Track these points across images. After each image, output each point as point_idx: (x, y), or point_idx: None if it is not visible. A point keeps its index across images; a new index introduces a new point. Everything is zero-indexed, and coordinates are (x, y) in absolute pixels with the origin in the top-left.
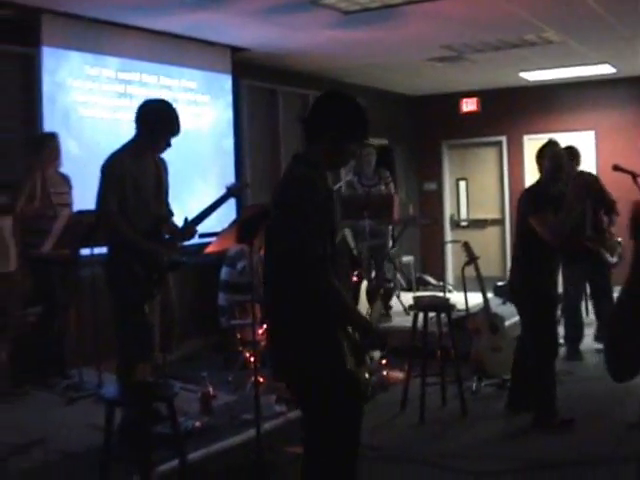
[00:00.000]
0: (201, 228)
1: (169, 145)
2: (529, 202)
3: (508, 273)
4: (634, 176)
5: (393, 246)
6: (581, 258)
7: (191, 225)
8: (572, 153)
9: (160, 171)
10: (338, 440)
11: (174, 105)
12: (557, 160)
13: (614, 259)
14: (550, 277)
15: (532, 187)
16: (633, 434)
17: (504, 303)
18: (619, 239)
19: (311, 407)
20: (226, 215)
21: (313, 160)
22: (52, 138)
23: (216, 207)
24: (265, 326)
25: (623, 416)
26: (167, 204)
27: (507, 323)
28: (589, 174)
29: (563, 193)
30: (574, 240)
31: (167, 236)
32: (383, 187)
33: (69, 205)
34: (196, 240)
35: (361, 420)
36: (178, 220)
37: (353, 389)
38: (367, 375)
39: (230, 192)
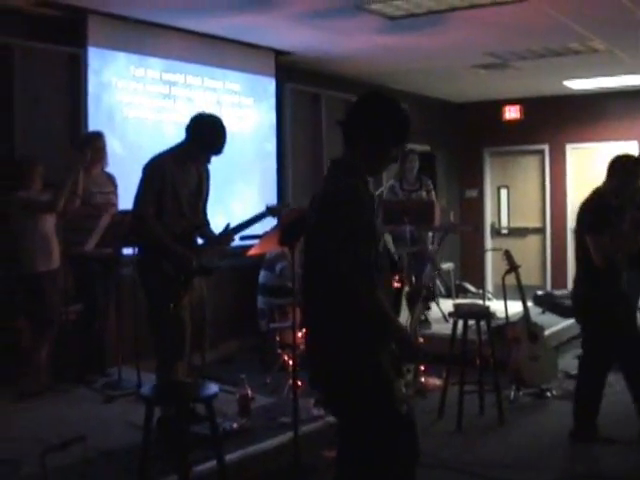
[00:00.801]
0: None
1: (208, 161)
2: (588, 216)
3: (549, 282)
4: None
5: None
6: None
7: (228, 234)
8: None
9: (202, 180)
10: (375, 454)
11: (219, 111)
12: (625, 177)
13: None
14: (616, 285)
15: (594, 198)
16: None
17: (544, 312)
18: None
19: (347, 418)
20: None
21: (353, 166)
22: (98, 137)
23: (253, 223)
24: (304, 331)
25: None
26: (204, 213)
27: (547, 332)
28: None
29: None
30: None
31: (201, 241)
32: (424, 193)
33: (114, 205)
34: (238, 242)
35: (400, 435)
36: (220, 226)
37: (391, 401)
38: (403, 388)
39: (269, 211)
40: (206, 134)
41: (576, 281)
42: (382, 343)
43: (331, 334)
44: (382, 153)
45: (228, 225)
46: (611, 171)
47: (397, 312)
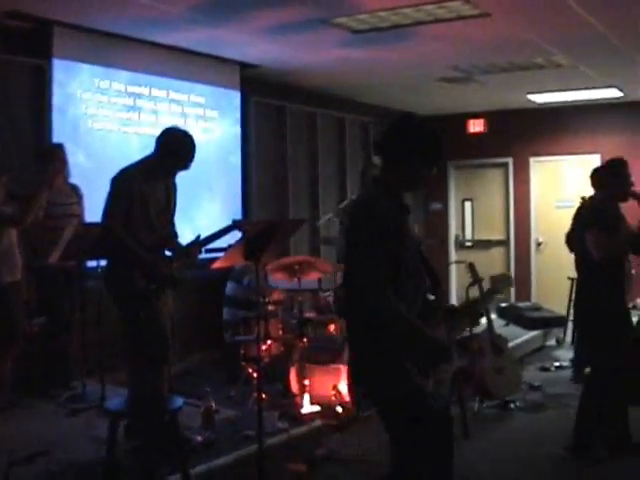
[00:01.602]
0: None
1: (174, 176)
2: (586, 216)
3: (512, 294)
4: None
5: None
6: None
7: (197, 245)
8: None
9: (169, 192)
10: (421, 457)
11: (184, 123)
12: (621, 182)
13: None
14: (615, 295)
15: (590, 204)
16: None
17: (507, 324)
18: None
19: (389, 425)
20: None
21: (385, 183)
22: (59, 149)
23: (221, 235)
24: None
25: None
26: (173, 225)
27: (510, 344)
28: None
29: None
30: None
31: (169, 253)
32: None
33: (78, 215)
34: (203, 255)
35: (444, 433)
36: (188, 238)
37: (423, 405)
38: (431, 386)
39: (235, 225)
40: (175, 148)
41: (579, 291)
42: (404, 347)
43: (358, 341)
44: (413, 173)
45: (198, 236)
46: (604, 180)
47: (428, 318)
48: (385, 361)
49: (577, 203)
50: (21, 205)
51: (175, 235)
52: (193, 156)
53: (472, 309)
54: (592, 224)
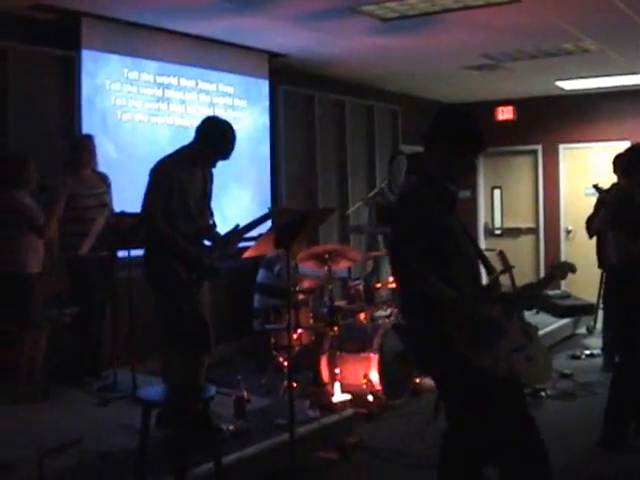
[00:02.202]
0: None
1: (214, 166)
2: (610, 212)
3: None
4: None
5: None
6: None
7: (237, 234)
8: None
9: (207, 182)
10: (474, 416)
11: (213, 113)
12: None
13: None
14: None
15: (617, 195)
16: None
17: (538, 312)
18: None
19: (443, 389)
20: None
21: (429, 173)
22: (88, 140)
23: (258, 224)
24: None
25: None
26: (211, 214)
27: (541, 332)
28: None
29: None
30: None
31: (208, 243)
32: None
33: (107, 205)
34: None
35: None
36: (224, 228)
37: (473, 375)
38: (487, 359)
39: (271, 212)
40: (217, 138)
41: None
42: (450, 321)
43: (410, 321)
44: (458, 161)
45: (237, 225)
46: (628, 166)
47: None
48: (438, 343)
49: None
50: (46, 209)
51: (214, 225)
52: (234, 146)
53: (530, 292)
54: (615, 225)
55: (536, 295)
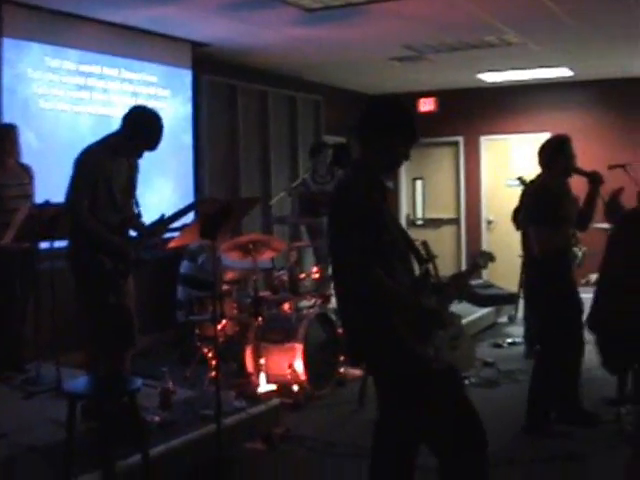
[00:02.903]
0: None
1: (140, 156)
2: (531, 207)
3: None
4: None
5: None
6: None
7: (162, 225)
8: None
9: (132, 172)
10: (417, 411)
11: (135, 102)
12: (566, 161)
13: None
14: (569, 272)
15: (537, 189)
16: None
17: (460, 301)
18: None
19: (381, 384)
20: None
21: (364, 164)
22: (10, 130)
23: (184, 214)
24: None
25: None
26: (137, 204)
27: (464, 321)
28: None
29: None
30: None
31: (134, 234)
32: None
33: (30, 196)
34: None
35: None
36: (146, 218)
37: (416, 366)
38: (431, 350)
39: (198, 202)
40: (144, 128)
41: (527, 268)
42: (393, 314)
43: (347, 311)
44: (393, 152)
45: (163, 216)
46: (546, 158)
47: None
48: (380, 335)
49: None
50: None
51: (139, 215)
52: (161, 137)
53: (458, 282)
54: (533, 220)
55: (464, 285)
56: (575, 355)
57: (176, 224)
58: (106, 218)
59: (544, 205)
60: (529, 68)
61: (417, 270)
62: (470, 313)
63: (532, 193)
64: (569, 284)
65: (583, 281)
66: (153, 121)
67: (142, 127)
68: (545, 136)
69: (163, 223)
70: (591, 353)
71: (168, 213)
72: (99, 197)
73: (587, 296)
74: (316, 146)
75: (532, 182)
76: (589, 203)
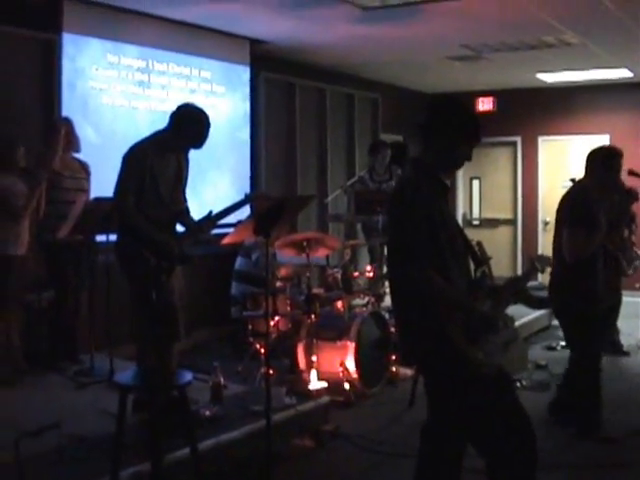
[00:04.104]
0: None
1: (187, 153)
2: (568, 210)
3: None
4: None
5: None
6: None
7: (211, 221)
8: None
9: (181, 168)
10: (466, 416)
11: (193, 98)
12: (606, 172)
13: (630, 271)
14: (596, 278)
15: (576, 192)
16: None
17: (515, 303)
18: (638, 251)
19: (433, 386)
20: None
21: (425, 163)
22: (65, 123)
23: (233, 210)
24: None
25: (628, 420)
26: (185, 201)
27: (517, 323)
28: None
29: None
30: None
31: (182, 229)
32: (394, 183)
33: (86, 191)
34: (214, 230)
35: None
36: (196, 214)
37: (467, 369)
38: (481, 355)
39: (248, 199)
40: (190, 127)
41: (554, 274)
42: (445, 315)
43: (400, 310)
44: (455, 152)
45: (211, 212)
46: (592, 166)
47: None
48: (433, 336)
49: None
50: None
51: (187, 211)
52: (207, 136)
53: (515, 286)
54: (576, 223)
55: (521, 289)
56: (594, 371)
57: (231, 220)
58: (153, 214)
59: (581, 208)
60: (588, 69)
61: (473, 271)
62: (524, 315)
63: (570, 197)
64: (594, 292)
65: (637, 285)
66: (200, 119)
67: (189, 124)
68: (604, 138)
69: (211, 219)
70: (638, 357)
71: (219, 209)
72: (146, 193)
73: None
74: (375, 145)
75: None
76: None
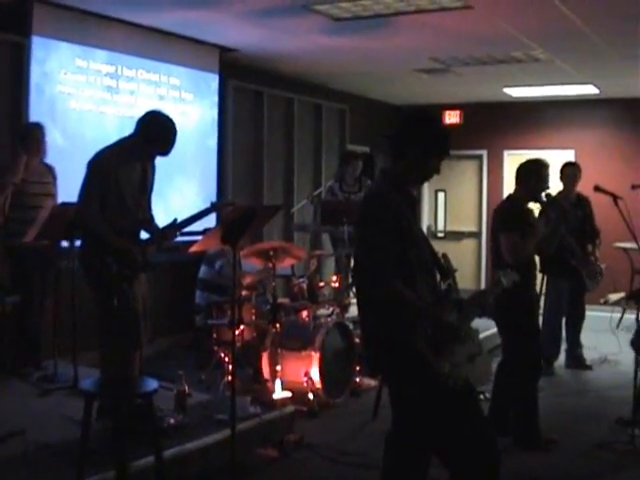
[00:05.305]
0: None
1: (153, 160)
2: (500, 218)
3: (484, 285)
4: (615, 197)
5: None
6: (565, 275)
7: (174, 228)
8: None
9: (146, 175)
10: (431, 427)
11: (161, 105)
12: (536, 182)
13: (592, 285)
14: (530, 287)
15: (505, 204)
16: (602, 452)
17: (480, 316)
18: (602, 265)
19: (396, 395)
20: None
21: (395, 175)
22: (38, 129)
23: (199, 218)
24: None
25: (592, 434)
26: (149, 208)
27: (482, 336)
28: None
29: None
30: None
31: (146, 236)
32: (363, 195)
33: (53, 195)
34: (179, 238)
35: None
36: (162, 220)
37: (432, 381)
38: (447, 367)
39: (214, 207)
40: (157, 133)
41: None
42: (412, 327)
43: (367, 322)
44: (425, 165)
45: (175, 220)
46: (520, 178)
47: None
48: (398, 348)
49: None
50: None
51: (152, 217)
52: (174, 143)
53: (481, 299)
54: (511, 228)
55: (487, 303)
56: (532, 376)
57: (197, 228)
58: (117, 221)
59: (513, 215)
60: (555, 84)
61: (440, 283)
62: (488, 327)
63: (504, 206)
64: (531, 293)
65: (602, 300)
66: (167, 126)
67: (156, 131)
68: (570, 153)
69: (175, 227)
70: (605, 372)
71: (183, 217)
72: (110, 200)
73: (604, 315)
74: (346, 155)
75: (554, 197)
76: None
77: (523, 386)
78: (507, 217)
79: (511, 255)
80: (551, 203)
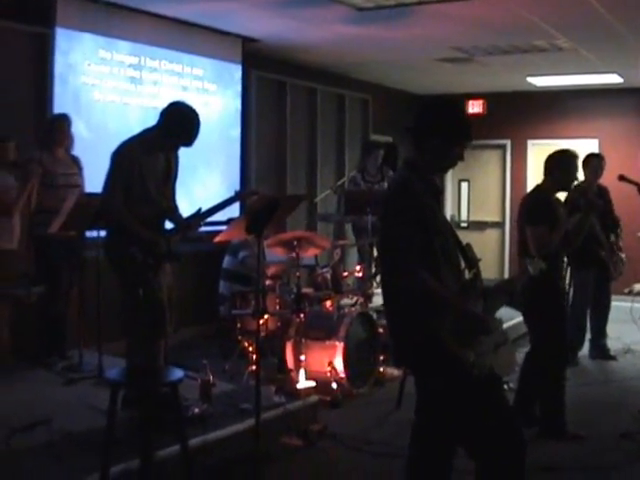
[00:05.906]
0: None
1: (176, 151)
2: (527, 210)
3: (507, 275)
4: (639, 187)
5: None
6: (591, 265)
7: (199, 218)
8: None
9: (170, 165)
10: (457, 418)
11: (185, 96)
12: (563, 173)
13: (615, 275)
14: (558, 276)
15: (533, 194)
16: (625, 443)
17: (507, 305)
18: (623, 255)
19: (423, 388)
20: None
21: (419, 164)
22: (63, 120)
23: (222, 207)
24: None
25: (615, 424)
26: (173, 198)
27: (506, 325)
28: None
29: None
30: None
31: (170, 226)
32: (386, 184)
33: (79, 186)
34: (203, 228)
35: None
36: (185, 210)
37: (457, 370)
38: (472, 356)
39: (238, 196)
40: (180, 124)
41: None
42: (437, 317)
43: (392, 312)
44: (447, 153)
45: (200, 209)
46: (548, 168)
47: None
48: (424, 337)
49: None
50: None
51: (176, 208)
52: (197, 134)
53: (508, 288)
54: (537, 221)
55: (513, 292)
56: (559, 366)
57: (220, 218)
58: (141, 211)
59: (540, 208)
60: (579, 73)
61: (466, 273)
62: (512, 317)
63: (530, 198)
64: (558, 286)
65: (626, 290)
66: (190, 117)
67: (179, 123)
68: (594, 142)
69: (200, 216)
70: (628, 363)
71: (207, 207)
72: (133, 191)
73: (625, 305)
74: (368, 145)
75: (576, 187)
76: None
77: (550, 376)
78: (534, 209)
79: (537, 248)
80: (581, 194)
